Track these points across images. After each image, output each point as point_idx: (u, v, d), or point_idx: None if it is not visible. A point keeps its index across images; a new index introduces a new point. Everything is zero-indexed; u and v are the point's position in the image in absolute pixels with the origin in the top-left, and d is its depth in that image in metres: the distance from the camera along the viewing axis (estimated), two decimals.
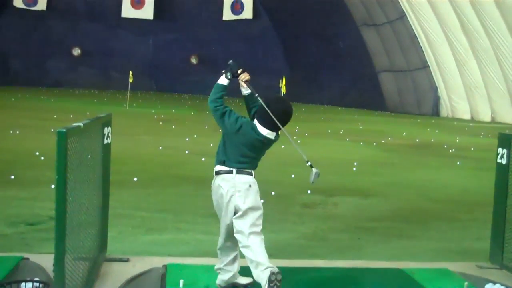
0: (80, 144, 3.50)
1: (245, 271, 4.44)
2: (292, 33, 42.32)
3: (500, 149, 5.47)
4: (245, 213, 4.32)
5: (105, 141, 4.78)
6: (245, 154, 4.41)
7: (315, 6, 37.79)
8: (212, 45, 43.91)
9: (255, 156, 4.48)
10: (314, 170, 4.30)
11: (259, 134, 4.40)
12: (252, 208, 4.33)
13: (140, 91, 38.99)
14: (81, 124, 3.37)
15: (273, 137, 4.46)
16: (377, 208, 8.65)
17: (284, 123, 4.40)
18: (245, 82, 4.54)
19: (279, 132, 4.48)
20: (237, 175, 4.37)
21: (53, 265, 3.05)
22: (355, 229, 7.32)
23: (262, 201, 4.54)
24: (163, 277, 4.62)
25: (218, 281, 4.58)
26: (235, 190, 4.35)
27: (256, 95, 4.53)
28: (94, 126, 4.30)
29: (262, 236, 4.38)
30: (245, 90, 4.62)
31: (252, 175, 4.41)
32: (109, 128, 4.86)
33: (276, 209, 7.69)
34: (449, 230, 7.54)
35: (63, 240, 3.05)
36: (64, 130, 2.99)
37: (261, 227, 4.39)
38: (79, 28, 43.48)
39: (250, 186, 4.36)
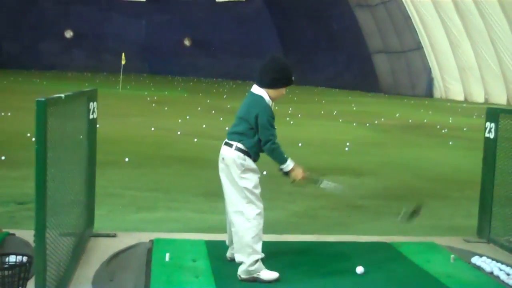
0: (61, 116, 3.46)
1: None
2: (286, 15, 42.13)
3: (488, 123, 5.47)
4: None
5: (91, 116, 4.74)
6: (234, 122, 4.35)
7: None
8: (205, 27, 43.75)
9: (237, 121, 4.30)
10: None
11: None
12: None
13: (133, 73, 38.84)
14: (62, 95, 3.33)
15: (254, 90, 4.34)
16: (369, 187, 8.67)
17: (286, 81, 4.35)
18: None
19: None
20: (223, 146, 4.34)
21: (34, 236, 3.04)
22: (346, 207, 7.33)
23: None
24: (150, 251, 4.63)
25: (228, 253, 4.63)
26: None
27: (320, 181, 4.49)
28: (78, 99, 4.25)
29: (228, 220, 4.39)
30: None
31: (231, 147, 4.22)
32: (95, 103, 4.82)
33: (268, 188, 7.67)
34: (440, 208, 7.57)
35: (43, 210, 3.02)
36: (44, 99, 2.96)
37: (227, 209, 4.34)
38: (72, 10, 43.23)
39: (223, 159, 4.27)
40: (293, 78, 4.38)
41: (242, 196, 4.18)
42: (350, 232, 6.03)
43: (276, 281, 4.19)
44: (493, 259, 4.90)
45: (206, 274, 4.22)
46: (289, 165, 4.33)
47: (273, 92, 4.31)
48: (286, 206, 7.18)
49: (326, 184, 4.49)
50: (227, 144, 4.27)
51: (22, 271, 3.38)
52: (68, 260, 3.89)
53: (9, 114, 14.83)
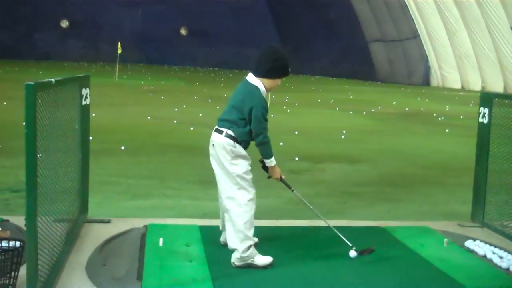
0: (52, 101, 3.44)
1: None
2: (283, 4, 42.02)
3: (481, 108, 5.46)
4: None
5: (83, 103, 4.72)
6: (226, 109, 4.33)
7: None
8: (201, 16, 43.58)
9: (229, 108, 4.29)
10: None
11: None
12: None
13: (130, 63, 38.72)
14: (52, 80, 3.31)
15: (249, 79, 4.33)
16: (364, 174, 8.68)
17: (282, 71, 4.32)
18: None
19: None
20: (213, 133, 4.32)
21: (25, 219, 3.05)
22: (342, 194, 7.35)
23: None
24: (143, 236, 4.63)
25: (221, 238, 4.64)
26: None
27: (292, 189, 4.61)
28: (70, 85, 4.23)
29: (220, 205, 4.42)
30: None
31: (221, 133, 4.21)
32: (87, 89, 4.79)
33: (264, 175, 7.71)
34: (435, 194, 7.58)
35: (34, 192, 3.03)
36: (33, 83, 2.95)
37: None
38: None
39: (213, 145, 4.27)
40: (289, 69, 4.34)
41: (233, 183, 4.17)
42: (344, 218, 6.04)
43: (270, 265, 4.19)
44: (486, 243, 4.91)
45: (200, 259, 4.23)
46: (272, 161, 4.38)
47: (268, 82, 4.28)
48: (282, 193, 7.15)
49: (297, 194, 4.68)
50: (217, 130, 4.25)
51: (14, 256, 3.38)
52: (61, 246, 3.89)
53: (4, 103, 14.80)
